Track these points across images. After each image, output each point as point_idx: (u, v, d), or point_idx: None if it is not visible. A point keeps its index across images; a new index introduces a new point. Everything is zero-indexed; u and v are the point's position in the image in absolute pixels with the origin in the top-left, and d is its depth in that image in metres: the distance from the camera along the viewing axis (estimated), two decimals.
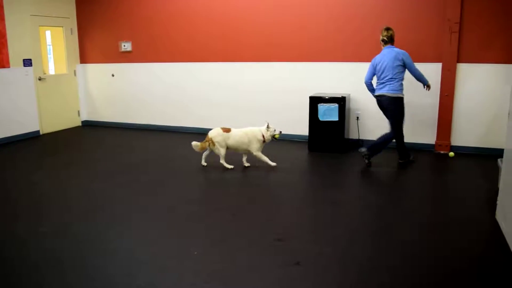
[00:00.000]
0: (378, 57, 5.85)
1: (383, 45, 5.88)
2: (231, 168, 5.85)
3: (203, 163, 6.00)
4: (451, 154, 6.52)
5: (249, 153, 5.94)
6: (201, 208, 4.55)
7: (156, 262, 3.41)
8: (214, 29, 7.88)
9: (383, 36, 5.85)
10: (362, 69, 6.91)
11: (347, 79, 7.08)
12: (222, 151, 5.83)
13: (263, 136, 5.82)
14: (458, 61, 6.39)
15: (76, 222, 4.24)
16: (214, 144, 5.82)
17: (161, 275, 3.22)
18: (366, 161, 5.91)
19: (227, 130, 5.86)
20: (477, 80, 6.39)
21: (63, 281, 3.16)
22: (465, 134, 6.57)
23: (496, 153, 5.46)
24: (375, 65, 5.86)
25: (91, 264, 3.41)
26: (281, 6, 7.31)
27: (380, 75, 5.80)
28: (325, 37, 7.11)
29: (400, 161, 6.06)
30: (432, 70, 6.52)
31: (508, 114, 3.85)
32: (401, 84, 5.80)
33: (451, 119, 6.56)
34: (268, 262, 3.40)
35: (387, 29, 5.83)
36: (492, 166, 5.21)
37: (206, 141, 5.86)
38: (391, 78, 5.72)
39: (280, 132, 5.96)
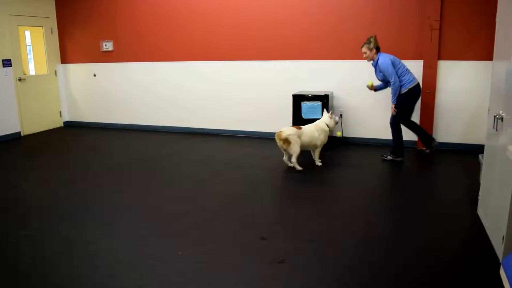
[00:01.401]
0: (390, 57, 5.86)
1: (376, 53, 5.95)
2: (301, 170, 5.69)
3: (289, 163, 5.80)
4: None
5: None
6: (184, 208, 4.52)
7: (140, 263, 3.39)
8: (196, 28, 7.84)
9: (377, 44, 5.93)
10: (345, 67, 6.99)
11: (330, 77, 7.10)
12: (297, 149, 5.64)
13: (328, 125, 5.89)
14: (439, 58, 6.45)
15: (59, 223, 4.19)
16: (290, 143, 5.60)
17: (145, 275, 3.20)
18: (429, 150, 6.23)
19: (299, 128, 5.75)
20: (458, 77, 6.46)
21: (46, 283, 3.12)
22: (447, 131, 6.64)
23: (478, 149, 5.53)
24: (393, 64, 5.85)
25: (74, 265, 3.37)
26: (263, 5, 7.31)
27: (403, 68, 5.88)
28: (308, 36, 7.12)
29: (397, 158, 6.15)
30: (413, 68, 6.55)
31: (488, 110, 3.90)
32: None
33: (433, 116, 6.63)
34: (252, 260, 3.40)
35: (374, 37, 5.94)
36: (474, 162, 5.28)
37: (280, 139, 5.61)
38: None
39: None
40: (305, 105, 6.60)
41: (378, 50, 5.95)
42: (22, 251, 3.62)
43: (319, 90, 6.98)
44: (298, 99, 6.68)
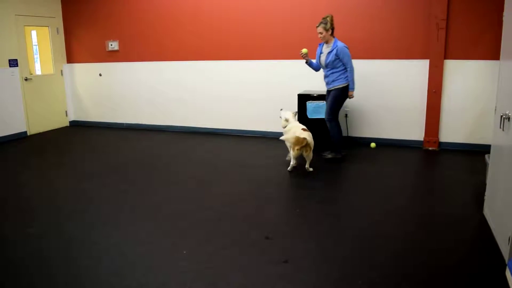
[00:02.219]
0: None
1: (332, 35, 5.84)
2: (311, 171, 5.60)
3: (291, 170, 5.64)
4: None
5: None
6: (188, 207, 4.52)
7: (144, 262, 3.39)
8: (201, 27, 7.85)
9: (333, 25, 5.79)
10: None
11: None
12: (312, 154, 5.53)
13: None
14: (446, 58, 6.41)
15: (64, 222, 4.20)
16: (311, 148, 5.43)
17: (150, 274, 3.20)
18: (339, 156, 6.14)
19: (306, 130, 5.56)
20: (464, 77, 6.42)
21: (51, 282, 3.14)
22: (453, 130, 6.60)
23: (484, 149, 5.48)
24: None
25: (79, 264, 3.38)
26: (268, 6, 7.30)
27: None
28: (313, 35, 7.08)
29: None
30: (419, 67, 6.56)
31: (495, 110, 3.87)
32: None
33: (439, 116, 6.59)
34: (257, 260, 3.39)
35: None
36: (480, 162, 5.24)
37: (302, 147, 5.36)
38: None
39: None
40: (310, 104, 6.58)
41: (333, 31, 5.85)
42: (27, 250, 3.63)
43: (325, 89, 6.94)
44: (303, 99, 6.66)
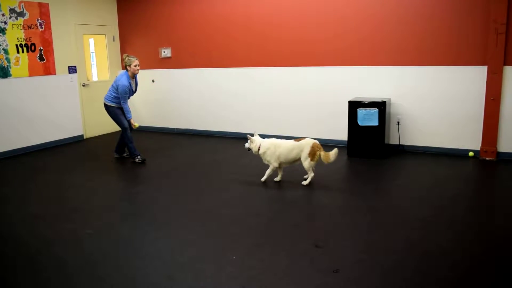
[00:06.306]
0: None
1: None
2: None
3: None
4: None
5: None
6: (239, 213, 4.55)
7: (195, 265, 3.45)
8: (252, 34, 7.91)
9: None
10: (403, 73, 6.81)
11: (387, 83, 6.94)
12: None
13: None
14: (505, 64, 6.14)
15: (117, 225, 4.35)
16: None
17: (200, 278, 3.25)
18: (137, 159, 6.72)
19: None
20: None
21: (104, 282, 3.23)
22: None
23: None
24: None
25: (131, 266, 3.48)
26: (319, 11, 7.26)
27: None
28: (365, 42, 7.00)
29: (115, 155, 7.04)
30: (476, 74, 6.32)
31: None
32: (114, 97, 6.80)
33: (498, 124, 6.31)
34: (306, 268, 3.36)
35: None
36: None
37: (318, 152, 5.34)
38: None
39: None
40: (361, 111, 6.49)
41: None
42: (85, 250, 3.78)
43: (377, 96, 6.84)
44: (354, 106, 6.57)
